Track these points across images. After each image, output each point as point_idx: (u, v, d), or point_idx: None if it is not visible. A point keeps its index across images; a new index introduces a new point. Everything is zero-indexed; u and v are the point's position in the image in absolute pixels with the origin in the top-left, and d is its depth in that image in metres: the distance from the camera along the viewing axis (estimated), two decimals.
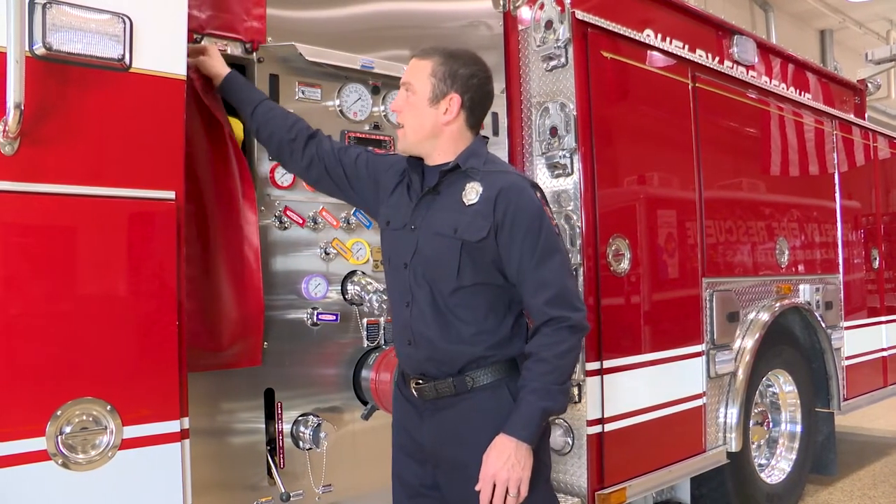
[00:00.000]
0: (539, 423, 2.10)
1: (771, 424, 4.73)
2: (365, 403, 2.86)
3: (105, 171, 2.10)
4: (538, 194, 2.21)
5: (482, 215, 2.13)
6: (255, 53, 2.66)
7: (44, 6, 1.97)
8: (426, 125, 2.21)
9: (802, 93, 5.30)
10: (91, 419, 2.05)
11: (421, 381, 2.22)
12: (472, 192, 2.16)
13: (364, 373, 2.85)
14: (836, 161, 5.18)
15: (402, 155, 2.34)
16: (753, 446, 4.47)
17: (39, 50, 1.98)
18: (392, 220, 2.30)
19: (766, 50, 5.00)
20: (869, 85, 6.30)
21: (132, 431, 2.11)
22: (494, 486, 2.06)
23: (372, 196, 2.43)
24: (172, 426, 2.18)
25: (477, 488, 2.08)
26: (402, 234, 2.25)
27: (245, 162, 2.55)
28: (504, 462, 2.05)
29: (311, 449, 2.68)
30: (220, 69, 2.48)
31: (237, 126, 2.63)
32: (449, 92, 2.19)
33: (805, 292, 4.74)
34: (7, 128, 1.91)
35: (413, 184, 2.29)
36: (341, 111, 2.89)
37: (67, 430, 2.01)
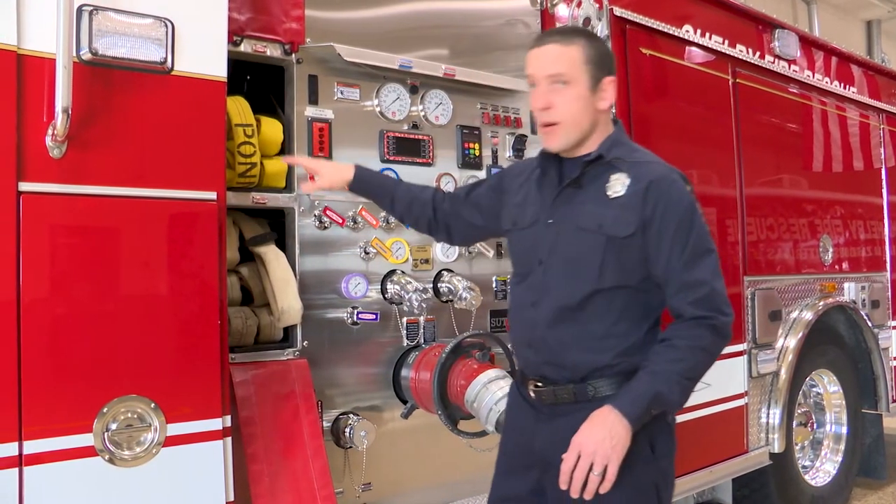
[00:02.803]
0: (646, 407, 1.92)
1: (815, 425, 4.65)
2: (405, 402, 2.87)
3: (148, 173, 2.14)
4: (688, 188, 2.04)
5: (629, 209, 1.97)
6: (293, 55, 2.68)
7: (90, 12, 2.01)
8: (587, 117, 2.03)
9: (847, 86, 5.18)
10: (136, 416, 2.08)
11: (540, 385, 2.09)
12: (619, 184, 1.99)
13: (404, 372, 2.85)
14: (883, 156, 5.07)
15: (534, 155, 2.19)
16: (797, 447, 4.40)
17: (86, 55, 2.02)
18: (518, 219, 2.16)
19: (808, 43, 4.90)
20: None
21: (176, 429, 2.14)
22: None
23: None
24: (215, 424, 2.20)
25: (563, 455, 1.91)
26: (534, 230, 2.10)
27: None
28: (595, 433, 1.88)
29: (350, 447, 2.70)
30: (346, 178, 2.43)
31: (276, 127, 2.66)
32: (604, 76, 2.02)
33: (850, 290, 4.65)
34: (55, 131, 1.94)
35: (548, 177, 2.12)
36: (380, 111, 2.91)
37: (113, 426, 2.04)
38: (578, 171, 2.05)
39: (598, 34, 3.25)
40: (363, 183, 2.46)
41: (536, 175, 2.17)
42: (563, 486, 1.91)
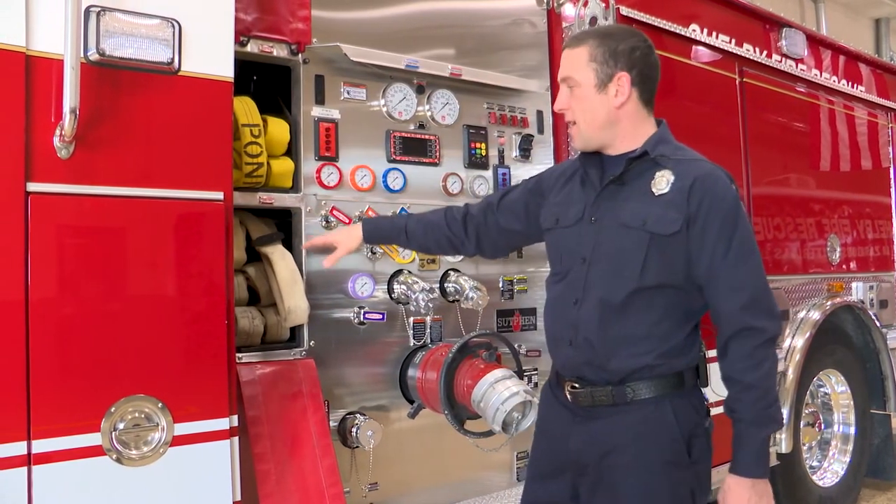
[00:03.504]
0: (767, 452, 1.95)
1: (823, 426, 4.63)
2: (411, 402, 2.87)
3: (156, 173, 2.14)
4: (734, 187, 2.03)
5: (675, 206, 1.95)
6: (300, 55, 2.68)
7: (98, 13, 2.02)
8: (600, 115, 2.04)
9: (855, 85, 5.16)
10: (143, 416, 2.09)
11: (577, 386, 2.06)
12: (663, 181, 1.99)
13: (410, 371, 2.85)
14: (891, 154, 5.05)
15: (575, 157, 2.20)
16: (804, 448, 4.38)
17: (93, 56, 2.03)
18: (562, 216, 2.15)
19: (815, 42, 4.88)
20: None
21: (183, 428, 2.14)
22: None
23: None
24: (222, 423, 2.21)
25: None
26: (578, 228, 2.09)
27: None
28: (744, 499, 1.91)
29: (357, 447, 2.70)
30: (357, 236, 2.48)
31: (282, 127, 2.66)
32: (615, 72, 2.02)
33: (858, 290, 4.63)
34: (63, 132, 1.95)
35: (590, 176, 2.12)
36: (386, 111, 2.91)
37: (121, 426, 2.05)
38: (621, 168, 2.05)
39: None
40: (374, 234, 2.51)
41: (580, 174, 2.17)
42: None
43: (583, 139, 2.09)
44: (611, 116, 2.05)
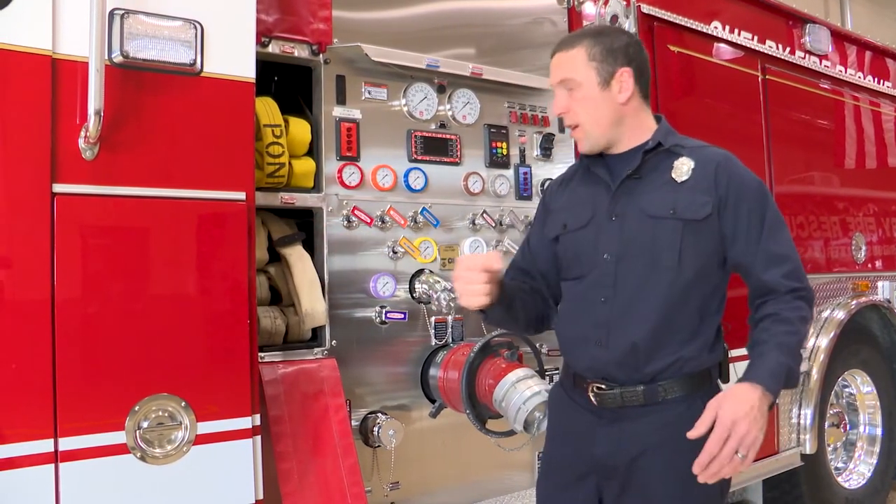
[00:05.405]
0: (783, 382, 1.85)
1: (848, 427, 4.57)
2: (433, 401, 2.87)
3: (178, 174, 2.16)
4: None
5: (701, 191, 1.97)
6: (321, 55, 2.69)
7: (122, 16, 2.04)
8: (606, 113, 2.02)
9: (881, 81, 5.10)
10: (167, 415, 2.10)
11: (603, 387, 2.01)
12: (684, 168, 2.00)
13: (432, 371, 2.85)
14: None
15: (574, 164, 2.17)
16: (829, 449, 4.34)
17: (117, 58, 2.04)
18: (570, 220, 2.11)
19: (840, 38, 4.83)
20: None
21: (206, 427, 2.16)
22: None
23: None
24: (245, 423, 2.22)
25: (697, 434, 1.78)
26: (595, 227, 2.05)
27: None
28: (747, 412, 1.76)
29: (378, 446, 2.70)
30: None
31: (304, 127, 2.67)
32: (616, 69, 2.01)
33: (884, 289, 4.57)
34: (88, 133, 1.97)
35: (594, 175, 2.10)
36: (407, 111, 2.91)
37: (145, 424, 2.07)
38: (637, 162, 2.03)
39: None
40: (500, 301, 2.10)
41: (580, 174, 2.16)
42: (699, 470, 1.79)
43: (590, 141, 2.06)
44: (617, 113, 2.03)
